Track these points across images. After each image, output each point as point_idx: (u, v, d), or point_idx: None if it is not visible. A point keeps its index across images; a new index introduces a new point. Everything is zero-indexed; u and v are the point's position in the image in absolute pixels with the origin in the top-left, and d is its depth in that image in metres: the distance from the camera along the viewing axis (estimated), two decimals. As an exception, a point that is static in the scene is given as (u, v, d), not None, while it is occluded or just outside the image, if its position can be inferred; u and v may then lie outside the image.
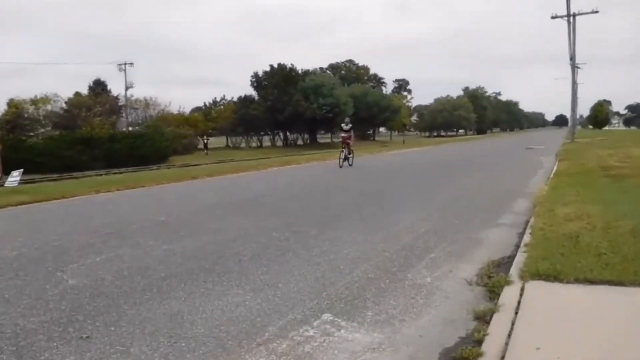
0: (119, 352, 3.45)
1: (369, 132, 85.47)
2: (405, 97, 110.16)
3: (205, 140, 42.82)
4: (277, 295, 4.59)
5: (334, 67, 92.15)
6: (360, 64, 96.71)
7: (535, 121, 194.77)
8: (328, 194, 12.44)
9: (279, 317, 4.09)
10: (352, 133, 21.38)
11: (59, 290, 4.78)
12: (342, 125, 22.27)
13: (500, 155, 28.96)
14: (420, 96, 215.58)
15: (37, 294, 4.71)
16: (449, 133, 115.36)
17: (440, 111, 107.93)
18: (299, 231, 7.39)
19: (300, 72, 64.00)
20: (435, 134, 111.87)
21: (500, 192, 11.67)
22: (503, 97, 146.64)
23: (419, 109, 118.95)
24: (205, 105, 63.92)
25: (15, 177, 18.72)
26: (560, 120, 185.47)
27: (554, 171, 15.35)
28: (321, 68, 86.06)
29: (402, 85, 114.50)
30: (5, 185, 17.93)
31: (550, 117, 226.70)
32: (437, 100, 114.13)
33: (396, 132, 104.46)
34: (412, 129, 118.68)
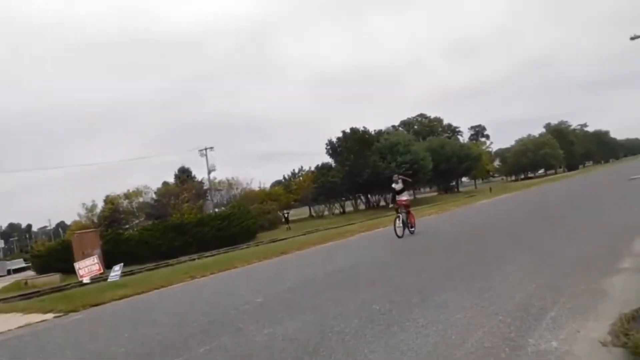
0: None
1: (452, 184, 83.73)
2: (484, 143, 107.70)
3: (286, 214, 43.05)
4: (390, 376, 4.26)
5: (405, 124, 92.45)
6: (432, 117, 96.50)
7: (632, 149, 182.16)
8: (423, 256, 11.97)
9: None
10: (407, 193, 17.33)
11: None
12: (393, 185, 17.19)
13: (600, 190, 26.99)
14: (500, 139, 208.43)
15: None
16: (537, 173, 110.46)
17: (523, 152, 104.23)
18: (400, 301, 7.03)
19: (373, 133, 64.66)
20: (522, 176, 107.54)
21: (610, 231, 10.70)
22: (590, 128, 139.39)
23: (501, 153, 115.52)
24: (284, 178, 65.72)
25: (116, 271, 19.73)
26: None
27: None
28: (393, 126, 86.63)
29: (478, 132, 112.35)
30: (108, 280, 18.89)
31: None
32: (518, 142, 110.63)
33: (480, 180, 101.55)
34: (496, 175, 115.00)
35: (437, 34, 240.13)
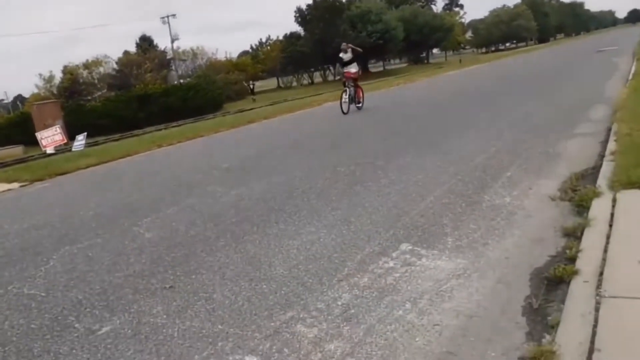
0: (203, 299, 3.49)
1: (422, 55, 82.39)
2: (458, 13, 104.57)
3: (251, 86, 41.82)
4: (351, 230, 4.49)
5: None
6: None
7: (604, 21, 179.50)
8: (389, 124, 12.08)
9: (356, 251, 3.99)
10: (356, 65, 15.36)
11: (138, 245, 4.90)
12: (341, 55, 15.26)
13: (566, 62, 27.08)
14: (474, 9, 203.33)
15: (118, 250, 4.84)
16: (508, 46, 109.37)
17: (496, 24, 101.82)
18: (364, 163, 7.21)
19: (344, 0, 61.80)
20: (492, 48, 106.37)
21: (571, 100, 10.91)
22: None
23: (474, 24, 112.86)
24: (252, 48, 63.45)
25: (80, 141, 19.42)
26: (635, 17, 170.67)
27: (632, 72, 14.13)
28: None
29: (452, 1, 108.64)
30: (72, 150, 18.66)
31: (621, 14, 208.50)
32: (492, 12, 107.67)
33: (451, 52, 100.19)
34: (467, 47, 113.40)
35: None
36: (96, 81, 48.92)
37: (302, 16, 60.96)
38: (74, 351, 3.06)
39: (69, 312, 3.59)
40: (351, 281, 3.48)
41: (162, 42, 57.78)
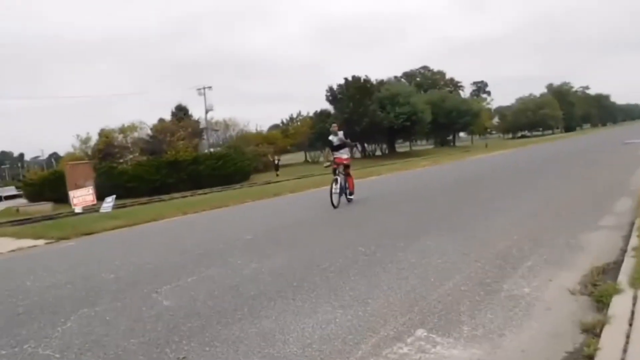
0: (215, 373, 3.50)
1: (448, 137, 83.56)
2: (485, 99, 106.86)
3: (276, 161, 42.04)
4: (368, 312, 4.49)
5: (408, 75, 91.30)
6: (435, 70, 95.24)
7: (630, 113, 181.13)
8: (416, 204, 12.17)
9: (370, 334, 3.98)
10: (347, 149, 13.18)
11: (155, 312, 4.95)
12: (330, 137, 13.17)
13: (593, 152, 27.15)
14: (501, 97, 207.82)
15: (135, 315, 4.90)
16: (534, 133, 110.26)
17: (523, 111, 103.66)
18: (386, 244, 7.25)
19: (374, 82, 63.96)
20: (519, 134, 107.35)
21: (596, 191, 10.89)
22: (592, 91, 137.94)
23: (501, 110, 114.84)
24: (282, 122, 65.41)
25: (109, 202, 19.88)
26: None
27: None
28: (396, 77, 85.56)
29: (480, 88, 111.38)
30: (100, 211, 19.09)
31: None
32: (519, 100, 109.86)
33: (477, 136, 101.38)
34: (494, 132, 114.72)
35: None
36: (129, 145, 50.59)
37: (332, 95, 63.10)
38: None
39: (82, 377, 3.63)
40: (364, 365, 3.46)
41: (197, 112, 59.79)
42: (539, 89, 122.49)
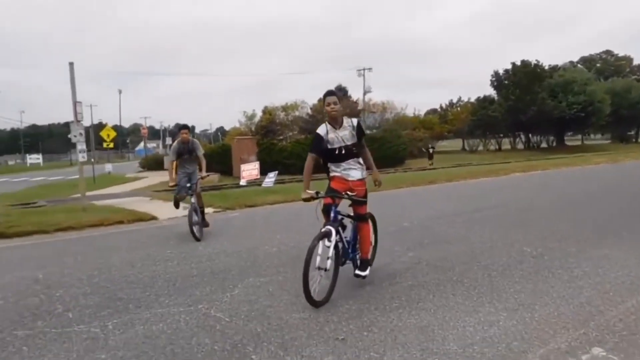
0: (373, 359, 3.51)
1: (629, 132, 74.53)
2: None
3: (430, 149, 40.56)
4: (535, 319, 4.17)
5: (586, 60, 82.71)
6: (619, 54, 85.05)
7: None
8: (586, 204, 11.08)
9: (538, 344, 3.69)
10: (358, 166, 5.24)
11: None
12: (319, 131, 5.15)
13: None
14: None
15: (296, 290, 5.09)
16: None
17: None
18: (554, 247, 6.69)
19: (546, 68, 59.14)
20: None
21: None
22: None
23: None
24: (440, 107, 63.78)
25: (271, 178, 21.01)
26: None
27: None
28: (571, 62, 78.00)
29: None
30: (262, 185, 20.29)
31: None
32: None
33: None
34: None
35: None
36: (290, 123, 53.20)
37: (498, 80, 59.80)
38: (250, 381, 3.29)
39: (248, 342, 3.87)
40: (531, 377, 3.22)
41: (355, 94, 60.95)
42: None
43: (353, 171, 5.17)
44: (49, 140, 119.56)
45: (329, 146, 5.10)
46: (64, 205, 14.67)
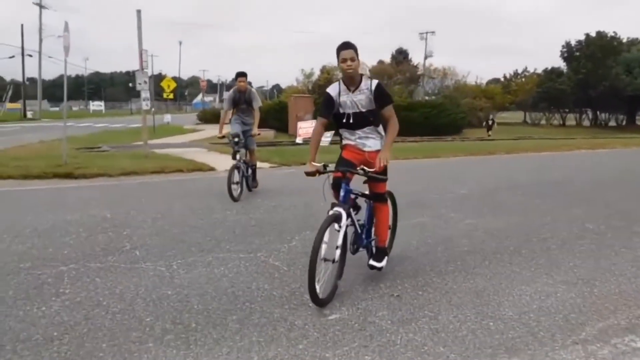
0: (428, 317, 3.56)
1: None
2: None
3: (490, 122, 39.03)
4: (594, 294, 4.09)
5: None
6: None
7: None
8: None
9: (597, 318, 3.63)
10: (374, 129, 4.25)
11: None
12: (329, 94, 4.23)
13: None
14: None
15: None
16: None
17: None
18: (619, 226, 6.46)
19: (624, 41, 55.55)
20: None
21: None
22: None
23: None
24: (504, 77, 61.41)
25: (327, 137, 20.94)
26: None
27: None
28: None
29: None
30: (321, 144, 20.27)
31: None
32: None
33: None
34: None
35: None
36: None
37: (569, 51, 56.85)
38: (306, 326, 3.40)
39: (305, 290, 3.96)
40: (588, 348, 3.18)
41: (416, 58, 59.43)
42: None
43: (371, 140, 4.25)
44: (111, 88, 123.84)
45: (340, 110, 4.19)
46: (126, 152, 15.30)
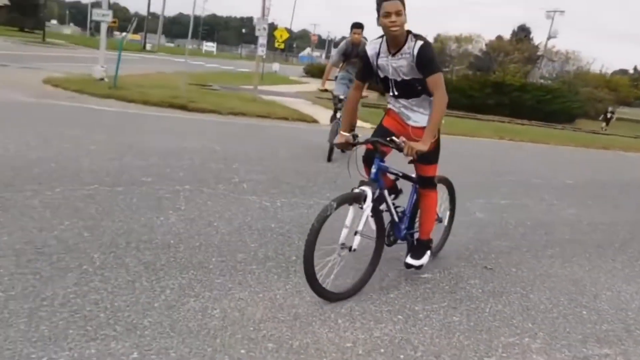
0: (519, 294, 3.56)
1: None
2: None
3: (609, 114, 35.79)
4: (703, 305, 3.88)
5: None
6: None
7: None
8: None
9: (702, 329, 3.46)
10: (425, 99, 3.42)
11: (469, 219, 5.19)
12: (367, 53, 3.35)
13: None
14: None
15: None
16: None
17: None
18: None
19: None
20: None
21: None
22: None
23: None
24: (635, 69, 56.49)
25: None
26: None
27: None
28: None
29: None
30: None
31: None
32: None
33: None
34: None
35: None
36: (459, 56, 50.84)
37: None
38: (399, 279, 3.54)
39: (399, 246, 4.06)
40: (686, 356, 3.07)
41: (538, 37, 55.90)
42: None
43: (417, 114, 3.43)
44: (224, 31, 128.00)
45: (381, 74, 3.32)
46: (236, 93, 15.95)
